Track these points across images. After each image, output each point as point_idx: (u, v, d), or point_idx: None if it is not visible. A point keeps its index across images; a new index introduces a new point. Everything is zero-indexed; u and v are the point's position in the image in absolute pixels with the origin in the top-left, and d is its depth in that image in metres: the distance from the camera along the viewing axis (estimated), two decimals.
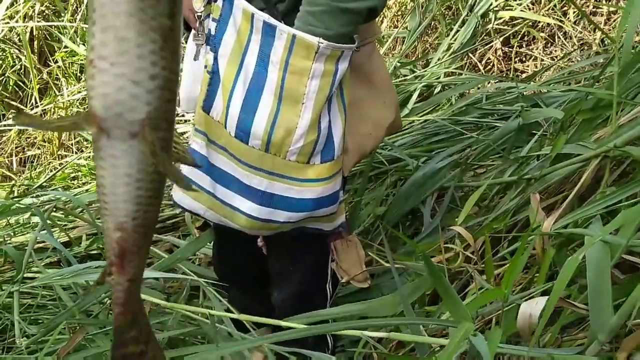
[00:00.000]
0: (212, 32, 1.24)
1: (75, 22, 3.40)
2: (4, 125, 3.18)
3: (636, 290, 0.80)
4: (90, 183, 2.81)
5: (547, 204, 1.36)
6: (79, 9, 3.46)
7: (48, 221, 2.18)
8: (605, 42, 2.87)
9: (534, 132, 1.89)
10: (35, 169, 3.20)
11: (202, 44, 1.27)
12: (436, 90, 2.93)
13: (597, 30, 2.98)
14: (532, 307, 0.85)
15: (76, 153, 3.19)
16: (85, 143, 3.27)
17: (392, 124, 1.46)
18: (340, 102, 1.29)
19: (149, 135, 0.52)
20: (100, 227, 2.22)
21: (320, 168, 1.27)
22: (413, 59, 3.29)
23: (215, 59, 1.24)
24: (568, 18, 3.07)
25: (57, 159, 3.27)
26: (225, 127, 1.25)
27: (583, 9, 3.02)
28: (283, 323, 1.35)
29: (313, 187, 1.27)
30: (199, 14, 1.24)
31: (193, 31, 1.29)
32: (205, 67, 1.26)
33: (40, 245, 2.20)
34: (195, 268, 2.01)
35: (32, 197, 2.24)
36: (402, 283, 1.67)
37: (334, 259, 1.59)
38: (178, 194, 1.37)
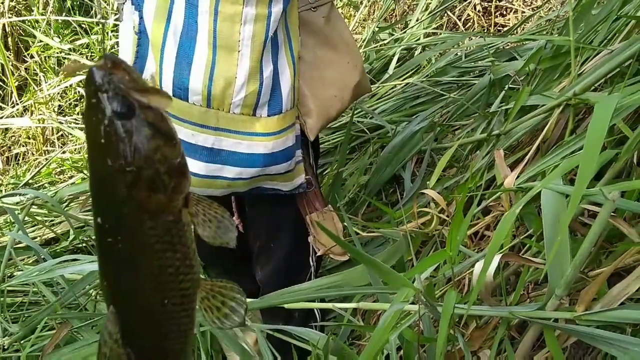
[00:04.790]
0: None
1: (46, 14, 3.35)
2: None
3: (587, 240, 0.77)
4: (75, 176, 2.79)
5: (516, 158, 1.33)
6: (50, 2, 3.40)
7: (28, 219, 2.18)
8: None
9: (511, 86, 1.85)
10: (21, 167, 3.19)
11: (123, 2, 1.22)
12: (416, 53, 2.87)
13: None
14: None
15: (60, 147, 3.17)
16: (70, 137, 3.25)
17: (359, 84, 1.42)
18: (289, 52, 1.25)
19: None
20: (82, 219, 2.22)
21: (267, 121, 1.23)
22: (392, 22, 3.22)
23: (141, 18, 1.19)
24: None
25: (42, 154, 3.25)
26: (161, 88, 1.20)
27: None
28: (257, 303, 1.33)
29: (263, 141, 1.24)
30: None
31: None
32: (133, 28, 1.21)
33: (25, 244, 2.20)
34: None
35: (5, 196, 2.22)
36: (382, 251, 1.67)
37: (311, 232, 1.57)
38: None
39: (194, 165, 1.24)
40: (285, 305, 1.23)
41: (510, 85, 1.69)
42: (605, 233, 0.89)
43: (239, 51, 1.16)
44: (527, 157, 1.13)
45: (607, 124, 0.59)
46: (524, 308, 0.87)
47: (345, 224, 1.54)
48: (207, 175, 1.25)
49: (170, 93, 1.19)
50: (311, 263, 1.58)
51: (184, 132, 1.22)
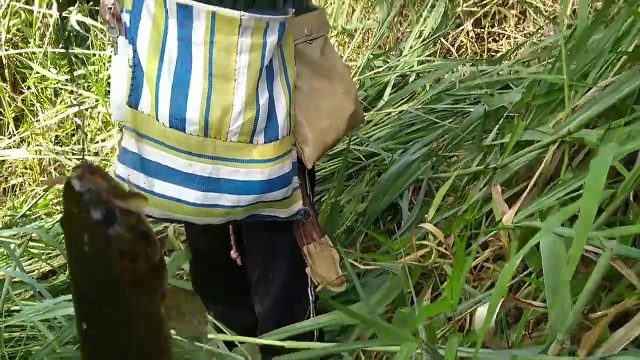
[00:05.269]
0: (128, 24, 1.21)
1: (44, 46, 3.38)
2: None
3: (588, 284, 0.78)
4: None
5: (513, 193, 1.34)
6: (47, 34, 3.43)
7: (24, 253, 2.18)
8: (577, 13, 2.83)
9: (507, 114, 1.87)
10: (18, 198, 3.18)
11: (117, 36, 1.24)
12: (411, 79, 2.90)
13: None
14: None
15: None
16: (66, 167, 3.25)
17: (354, 114, 1.44)
18: (284, 80, 1.27)
19: None
20: None
21: (264, 148, 1.24)
22: (386, 49, 3.26)
23: (135, 51, 1.21)
24: None
25: (39, 185, 3.25)
26: (157, 119, 1.21)
27: None
28: (259, 341, 1.33)
29: (260, 168, 1.24)
30: (110, 6, 1.21)
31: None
32: (127, 61, 1.23)
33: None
34: (182, 284, 2.00)
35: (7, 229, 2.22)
36: (381, 284, 1.67)
37: (308, 264, 1.57)
38: None
39: (191, 195, 1.24)
40: (285, 345, 1.23)
41: (506, 114, 1.70)
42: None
43: (235, 80, 1.17)
44: (525, 194, 1.14)
45: (605, 178, 0.60)
46: (526, 351, 0.87)
47: (353, 251, 1.54)
48: (204, 205, 1.26)
49: (167, 124, 1.20)
50: (310, 295, 1.58)
51: (180, 162, 1.23)
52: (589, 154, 1.26)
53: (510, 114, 1.62)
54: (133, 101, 1.24)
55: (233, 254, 1.58)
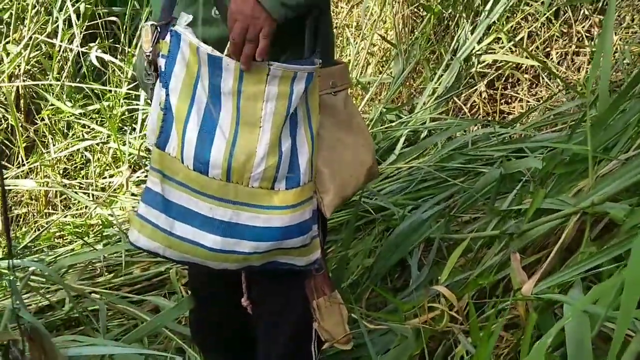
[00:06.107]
0: (162, 68, 1.23)
1: (61, 79, 3.42)
2: None
3: None
4: (75, 242, 2.77)
5: (531, 261, 1.32)
6: (65, 67, 3.49)
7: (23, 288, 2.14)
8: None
9: (521, 178, 1.86)
10: (21, 229, 3.16)
11: (153, 83, 1.26)
12: (422, 135, 2.92)
13: (581, 69, 3.00)
14: None
15: (63, 210, 3.15)
16: (72, 200, 3.24)
17: (372, 167, 1.46)
18: (308, 129, 1.28)
19: None
20: (79, 289, 2.18)
21: (285, 194, 1.25)
22: (398, 104, 3.29)
23: (167, 95, 1.23)
24: (551, 59, 3.08)
25: (44, 217, 3.23)
26: (182, 162, 1.23)
27: (565, 49, 3.04)
28: None
29: (280, 215, 1.24)
30: (147, 53, 1.23)
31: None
32: (159, 104, 1.25)
33: None
34: (181, 328, 1.96)
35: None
36: (387, 343, 1.63)
37: (316, 318, 1.54)
38: (134, 233, 1.29)
39: (210, 240, 1.24)
40: None
41: (524, 179, 1.69)
42: None
43: (260, 127, 1.20)
44: (545, 264, 1.12)
45: None
46: None
47: (353, 315, 1.51)
48: (223, 250, 1.25)
49: (191, 167, 1.22)
50: (313, 350, 1.54)
51: (202, 206, 1.24)
52: (608, 226, 1.25)
53: (527, 179, 1.61)
54: (161, 143, 1.25)
55: (244, 301, 1.56)
